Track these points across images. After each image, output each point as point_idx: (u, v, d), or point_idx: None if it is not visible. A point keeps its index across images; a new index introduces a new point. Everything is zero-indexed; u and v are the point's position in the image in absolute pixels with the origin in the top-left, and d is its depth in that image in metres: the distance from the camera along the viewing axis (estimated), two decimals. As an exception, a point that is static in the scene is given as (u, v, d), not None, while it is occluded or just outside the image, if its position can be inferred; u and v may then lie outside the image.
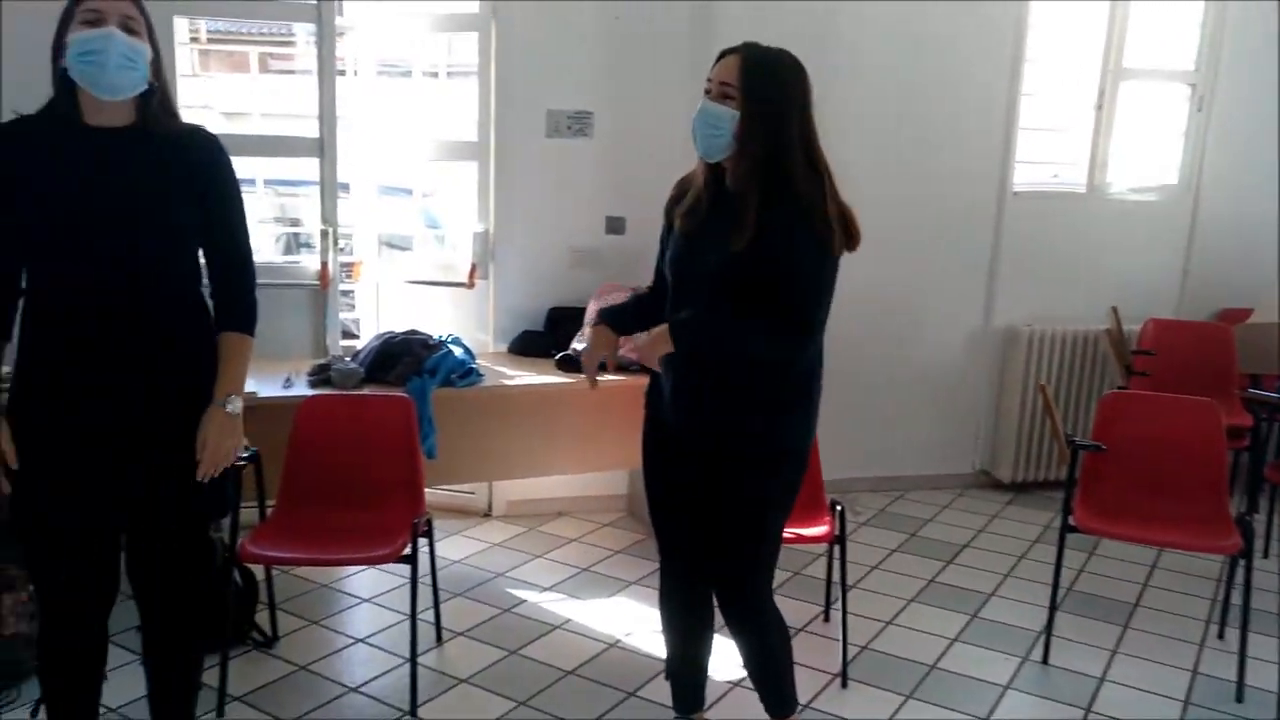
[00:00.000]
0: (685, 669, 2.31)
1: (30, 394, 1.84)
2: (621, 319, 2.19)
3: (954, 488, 4.43)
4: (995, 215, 4.30)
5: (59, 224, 1.77)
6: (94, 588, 1.93)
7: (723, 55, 1.94)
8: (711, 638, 2.29)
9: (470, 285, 3.84)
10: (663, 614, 2.28)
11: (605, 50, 3.77)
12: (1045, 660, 2.90)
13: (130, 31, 1.78)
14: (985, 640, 3.04)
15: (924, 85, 4.03)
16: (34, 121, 1.83)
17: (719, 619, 2.19)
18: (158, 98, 1.85)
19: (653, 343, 1.98)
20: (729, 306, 1.95)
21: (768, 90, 1.89)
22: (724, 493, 2.04)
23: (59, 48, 1.78)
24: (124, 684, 2.48)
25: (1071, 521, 2.84)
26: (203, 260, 1.96)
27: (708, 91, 1.93)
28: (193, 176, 1.87)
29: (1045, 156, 4.57)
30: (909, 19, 3.93)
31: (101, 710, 2.18)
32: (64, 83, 1.78)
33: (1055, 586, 2.91)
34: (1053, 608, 2.93)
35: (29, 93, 1.87)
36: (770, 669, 2.17)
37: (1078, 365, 4.38)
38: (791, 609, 3.13)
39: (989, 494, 4.41)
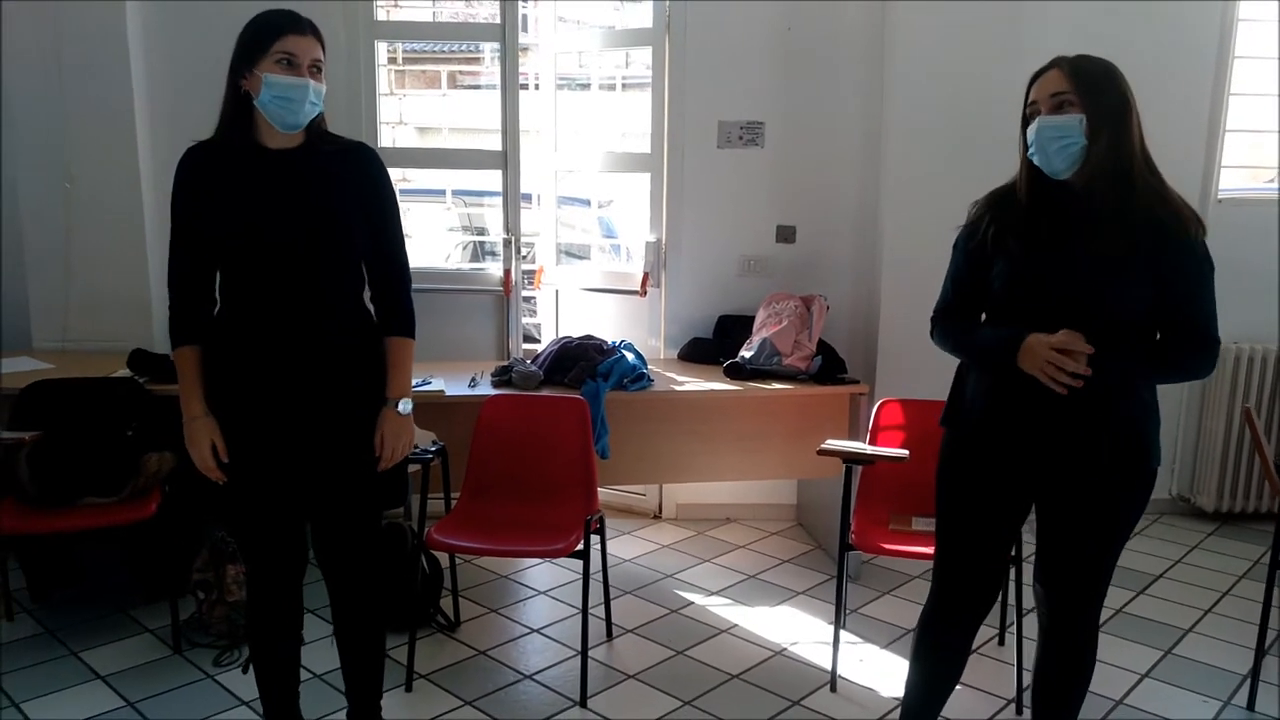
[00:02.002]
0: (926, 711, 2.18)
1: (221, 396, 2.02)
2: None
3: (1149, 514, 4.06)
4: (1199, 223, 3.99)
5: (244, 239, 1.94)
6: (286, 561, 2.13)
7: (1035, 77, 1.87)
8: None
9: (642, 294, 3.94)
10: (924, 655, 2.14)
11: (776, 61, 3.78)
12: (1250, 707, 2.67)
13: (317, 72, 1.93)
14: (1181, 679, 2.83)
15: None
16: (216, 145, 1.97)
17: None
18: (320, 117, 1.99)
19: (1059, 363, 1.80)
20: (1118, 329, 1.83)
21: (1105, 90, 1.82)
22: (1094, 516, 1.92)
23: (240, 70, 1.90)
24: (327, 654, 2.70)
25: (1283, 557, 2.60)
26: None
27: (1034, 114, 1.85)
28: (358, 191, 2.01)
29: (1263, 161, 4.20)
30: (1100, 16, 3.72)
31: (305, 675, 2.40)
32: (242, 103, 1.93)
33: (1263, 628, 2.68)
34: (1260, 651, 2.70)
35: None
36: (1081, 699, 2.06)
37: (1294, 388, 4.00)
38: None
39: (1188, 522, 4.09)
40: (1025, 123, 1.89)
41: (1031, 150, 1.86)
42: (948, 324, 2.04)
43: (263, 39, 1.90)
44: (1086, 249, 1.82)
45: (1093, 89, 1.81)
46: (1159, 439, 1.94)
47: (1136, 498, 1.93)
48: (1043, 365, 1.80)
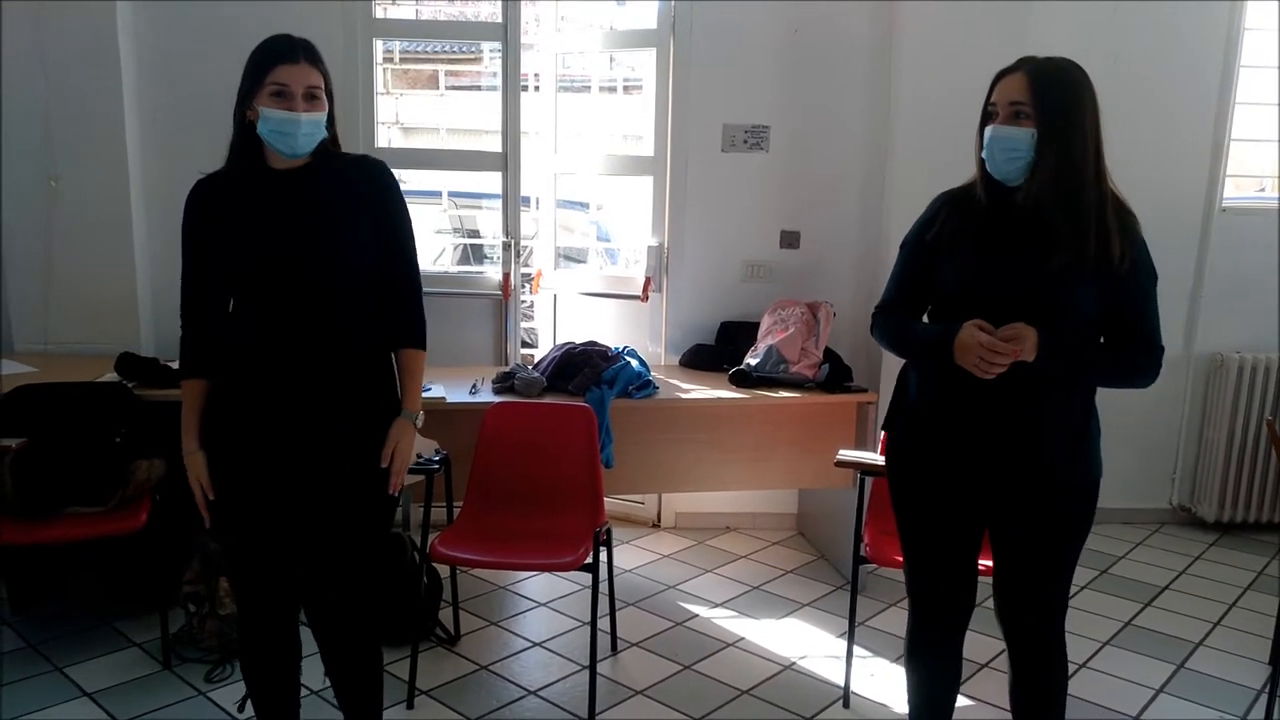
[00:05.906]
0: None
1: (227, 423, 1.94)
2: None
3: (1149, 524, 4.12)
4: (1200, 233, 3.99)
5: (257, 259, 1.89)
6: (282, 590, 2.04)
7: (1001, 76, 1.86)
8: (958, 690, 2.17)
9: (644, 299, 3.87)
10: (918, 667, 2.13)
11: (782, 64, 3.74)
12: (1268, 721, 2.65)
13: (313, 99, 1.87)
14: (1196, 694, 2.80)
15: (1120, 92, 3.74)
16: (226, 173, 1.94)
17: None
18: (330, 135, 1.94)
19: (1026, 346, 1.78)
20: (1067, 329, 1.83)
21: (1061, 103, 1.80)
22: (1047, 523, 1.91)
23: (244, 101, 1.88)
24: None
25: (1302, 570, 2.58)
26: None
27: (992, 115, 1.85)
28: (367, 203, 1.96)
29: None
30: (1108, 19, 3.70)
31: (304, 691, 2.30)
32: (250, 131, 1.89)
33: (1279, 641, 2.65)
34: (1276, 664, 2.67)
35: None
36: (1060, 706, 2.04)
37: (1296, 398, 4.00)
38: (975, 644, 2.99)
39: (1190, 532, 4.08)
40: (984, 121, 1.88)
41: (984, 153, 1.86)
42: (888, 320, 2.03)
43: (258, 71, 1.87)
44: (1039, 255, 1.82)
45: (1050, 103, 1.79)
46: (1099, 451, 1.93)
47: (1080, 506, 1.92)
48: (975, 361, 1.79)
